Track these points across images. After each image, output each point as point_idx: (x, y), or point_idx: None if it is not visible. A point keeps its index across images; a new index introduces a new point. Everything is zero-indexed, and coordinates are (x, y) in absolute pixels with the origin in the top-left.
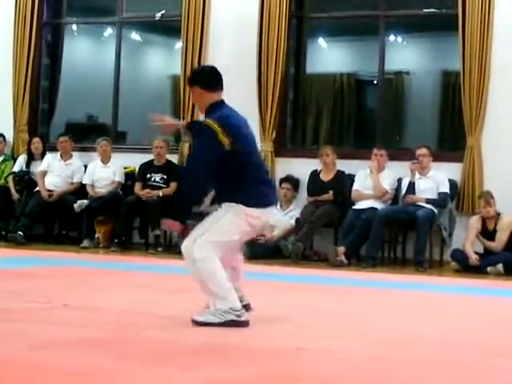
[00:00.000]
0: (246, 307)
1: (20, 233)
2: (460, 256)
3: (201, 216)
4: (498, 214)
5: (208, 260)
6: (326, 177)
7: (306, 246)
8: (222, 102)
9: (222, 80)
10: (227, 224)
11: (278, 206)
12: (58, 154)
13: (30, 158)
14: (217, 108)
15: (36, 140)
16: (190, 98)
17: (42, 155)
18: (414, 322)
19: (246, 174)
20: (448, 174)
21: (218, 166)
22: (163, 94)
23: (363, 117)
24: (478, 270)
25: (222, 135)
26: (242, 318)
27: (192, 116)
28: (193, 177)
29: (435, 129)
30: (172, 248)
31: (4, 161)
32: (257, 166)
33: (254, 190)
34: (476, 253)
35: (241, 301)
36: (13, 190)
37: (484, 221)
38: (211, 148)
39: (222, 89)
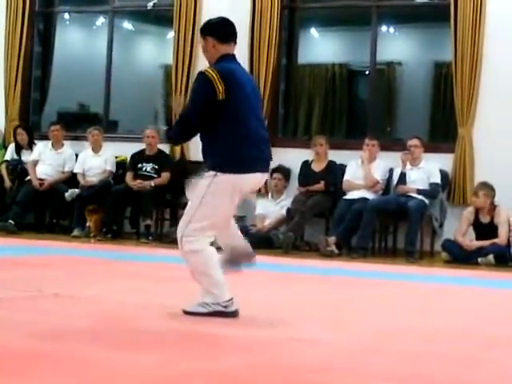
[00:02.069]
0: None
1: (11, 221)
2: (451, 247)
3: None
4: (495, 207)
5: (198, 253)
6: (317, 167)
7: (296, 236)
8: (233, 55)
9: (236, 33)
10: (209, 201)
11: (270, 196)
12: (50, 142)
13: (19, 147)
14: (224, 60)
15: (19, 131)
16: (181, 88)
17: (30, 145)
18: (405, 313)
19: (233, 128)
20: (439, 165)
21: (210, 111)
22: (155, 84)
23: (355, 107)
24: (468, 261)
25: (218, 82)
26: (231, 309)
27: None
28: (187, 120)
29: (427, 119)
30: (163, 237)
31: None
32: (246, 120)
33: (238, 150)
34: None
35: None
36: (6, 178)
37: (477, 213)
38: (204, 93)
39: (235, 42)
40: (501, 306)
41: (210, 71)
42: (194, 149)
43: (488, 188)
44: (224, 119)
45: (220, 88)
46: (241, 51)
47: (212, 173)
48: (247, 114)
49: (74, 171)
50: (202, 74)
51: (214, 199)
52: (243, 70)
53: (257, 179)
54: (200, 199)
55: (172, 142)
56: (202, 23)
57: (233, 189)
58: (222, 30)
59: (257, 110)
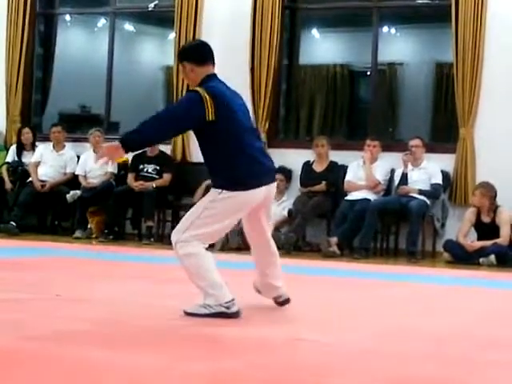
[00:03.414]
0: (282, 302)
1: (13, 223)
2: (452, 247)
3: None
4: (496, 207)
5: (193, 256)
6: (318, 167)
7: (298, 237)
8: (214, 75)
9: (212, 53)
10: (212, 214)
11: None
12: (51, 144)
13: (21, 148)
14: (208, 80)
15: (26, 130)
16: (182, 89)
17: (33, 146)
18: (406, 314)
19: (231, 148)
20: (441, 165)
21: (190, 128)
22: (156, 85)
23: (356, 108)
24: (470, 261)
25: (209, 102)
26: (232, 310)
27: None
28: (159, 123)
29: (428, 120)
30: (164, 239)
31: None
32: (241, 138)
33: (239, 169)
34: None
35: (278, 297)
36: (7, 180)
37: (479, 213)
38: (193, 109)
39: (213, 62)
40: (502, 306)
41: (202, 91)
42: (196, 150)
43: (486, 187)
44: (218, 139)
45: (210, 109)
46: (242, 52)
47: (218, 190)
48: (239, 130)
49: (76, 173)
50: (194, 92)
51: (216, 213)
52: (228, 88)
53: (262, 193)
54: (202, 210)
55: (126, 144)
56: (203, 24)
57: (238, 205)
58: (196, 53)
59: (251, 129)
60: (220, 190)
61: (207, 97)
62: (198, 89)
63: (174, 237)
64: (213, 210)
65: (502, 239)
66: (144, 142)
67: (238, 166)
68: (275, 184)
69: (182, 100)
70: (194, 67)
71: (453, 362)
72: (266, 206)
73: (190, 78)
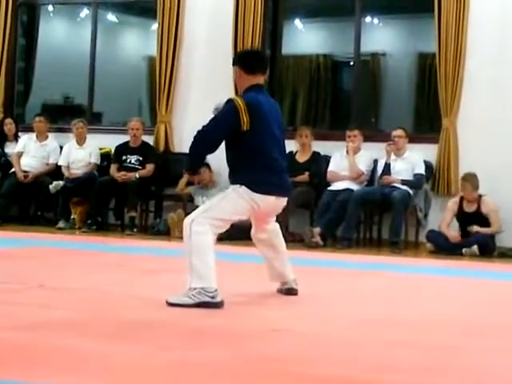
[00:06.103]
0: (289, 290)
1: None
2: (435, 237)
3: (177, 198)
4: (480, 197)
5: (204, 236)
6: (301, 158)
7: (281, 227)
8: (259, 85)
9: (263, 64)
10: (231, 204)
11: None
12: (34, 134)
13: (4, 139)
14: (252, 90)
15: (8, 121)
16: (165, 79)
17: (15, 136)
18: (389, 303)
19: (256, 157)
20: (424, 156)
21: (230, 137)
22: (139, 75)
23: (339, 98)
24: (453, 251)
25: (244, 113)
26: (216, 300)
27: (168, 97)
28: (206, 135)
29: (411, 110)
30: (147, 229)
31: None
32: (268, 150)
33: (260, 175)
34: None
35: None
36: None
37: (461, 202)
38: (229, 120)
39: (262, 73)
40: (485, 295)
41: (239, 101)
42: (178, 140)
43: (472, 177)
44: (249, 148)
45: (245, 119)
46: (225, 42)
47: (238, 185)
48: (270, 145)
49: (59, 164)
50: (231, 102)
51: (232, 203)
52: (269, 101)
53: (271, 201)
54: (221, 198)
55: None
56: (185, 14)
57: (250, 201)
58: (247, 60)
59: (279, 142)
60: (240, 185)
61: (242, 106)
62: (235, 98)
63: (189, 217)
64: (231, 200)
65: (493, 228)
66: (197, 159)
67: (261, 174)
68: (285, 200)
69: (223, 110)
70: (242, 74)
71: (436, 350)
72: (272, 215)
73: (238, 83)
